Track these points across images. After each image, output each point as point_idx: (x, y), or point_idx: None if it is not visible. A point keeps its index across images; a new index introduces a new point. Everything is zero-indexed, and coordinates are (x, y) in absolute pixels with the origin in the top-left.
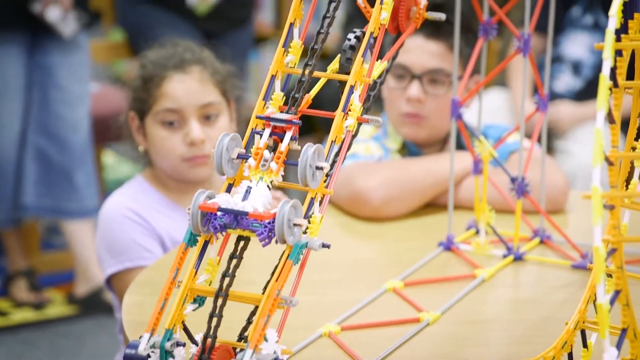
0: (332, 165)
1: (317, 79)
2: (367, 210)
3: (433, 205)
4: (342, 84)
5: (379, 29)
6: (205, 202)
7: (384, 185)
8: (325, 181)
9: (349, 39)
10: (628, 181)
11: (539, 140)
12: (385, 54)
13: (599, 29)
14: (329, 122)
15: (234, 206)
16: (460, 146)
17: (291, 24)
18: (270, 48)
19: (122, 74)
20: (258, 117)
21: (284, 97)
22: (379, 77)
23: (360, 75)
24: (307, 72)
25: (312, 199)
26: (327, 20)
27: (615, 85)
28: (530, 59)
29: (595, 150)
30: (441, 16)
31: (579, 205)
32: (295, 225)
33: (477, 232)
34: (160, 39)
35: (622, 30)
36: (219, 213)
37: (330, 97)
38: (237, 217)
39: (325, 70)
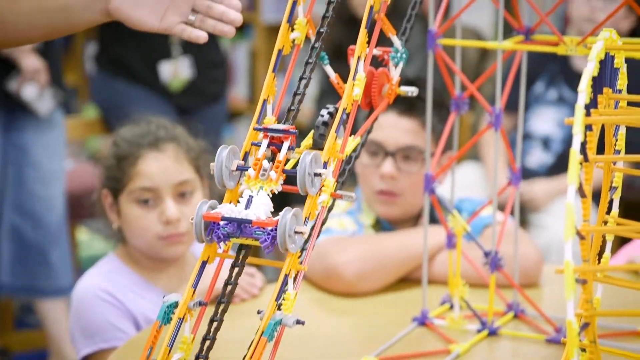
0: (306, 241)
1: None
2: (341, 286)
3: (407, 280)
4: None
5: (352, 105)
6: (208, 212)
7: (358, 261)
8: (299, 257)
9: (322, 115)
10: (600, 255)
11: (513, 213)
12: (358, 129)
13: (563, 102)
14: (303, 198)
15: (237, 215)
16: (433, 220)
17: (264, 101)
18: (244, 123)
19: (96, 151)
20: (255, 129)
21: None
22: (354, 151)
23: (334, 151)
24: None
25: (286, 276)
26: (298, 97)
27: (586, 159)
28: (502, 133)
29: (566, 225)
30: (413, 91)
31: (553, 278)
32: (296, 233)
33: (452, 306)
34: (134, 116)
35: (591, 104)
36: (222, 222)
37: None
38: (240, 226)
39: (298, 146)
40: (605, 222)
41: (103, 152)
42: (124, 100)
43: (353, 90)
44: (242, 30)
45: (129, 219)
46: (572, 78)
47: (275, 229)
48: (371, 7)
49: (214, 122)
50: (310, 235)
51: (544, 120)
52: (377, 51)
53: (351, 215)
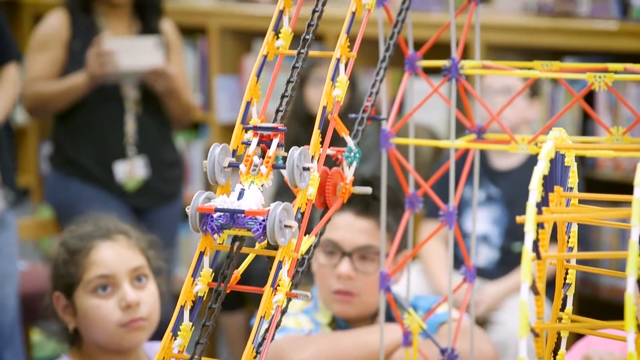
0: (260, 344)
1: (246, 255)
2: None
3: None
4: (271, 259)
5: (306, 204)
6: (203, 204)
7: (314, 359)
8: (254, 358)
9: None
10: (556, 351)
11: (468, 310)
12: (313, 228)
13: (492, 200)
14: (259, 297)
15: (230, 205)
16: (390, 318)
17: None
18: None
19: (50, 252)
20: (245, 128)
21: (213, 274)
22: (307, 252)
23: (288, 251)
24: (235, 247)
25: (280, 262)
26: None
27: (539, 257)
28: (456, 230)
29: (521, 322)
30: (367, 190)
31: None
32: (286, 226)
33: None
34: (88, 215)
35: (543, 203)
36: (215, 215)
37: (260, 271)
38: (233, 217)
39: (254, 246)
40: (560, 319)
41: (52, 253)
42: (78, 201)
43: (307, 190)
44: (198, 129)
45: (87, 312)
46: (494, 176)
47: (267, 219)
48: (324, 108)
49: (169, 221)
50: (264, 337)
51: (478, 221)
52: (330, 151)
53: (307, 314)
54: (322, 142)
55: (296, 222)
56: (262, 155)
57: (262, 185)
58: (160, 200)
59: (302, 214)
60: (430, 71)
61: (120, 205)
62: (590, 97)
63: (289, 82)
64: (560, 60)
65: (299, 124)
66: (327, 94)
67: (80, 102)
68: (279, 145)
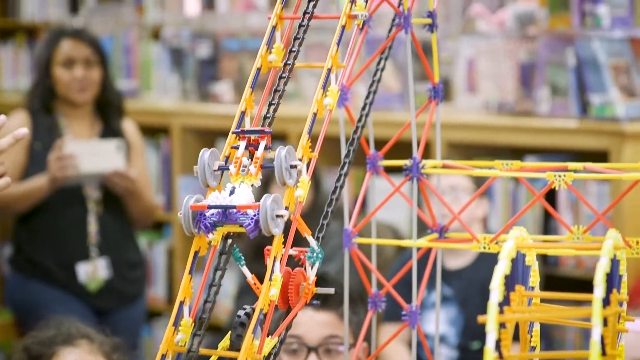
0: None
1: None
2: None
3: None
4: None
5: (269, 305)
6: (195, 203)
7: None
8: None
9: (239, 316)
10: None
11: None
12: (276, 328)
13: (448, 301)
14: None
15: (222, 201)
16: None
17: (181, 302)
18: (163, 322)
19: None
20: (234, 132)
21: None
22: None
23: (251, 352)
24: (195, 344)
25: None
26: (214, 289)
27: (501, 357)
28: (418, 330)
29: None
30: (330, 290)
31: None
32: (277, 216)
33: None
34: (50, 318)
35: (504, 302)
36: (208, 213)
37: None
38: (225, 213)
39: (215, 347)
40: None
41: (14, 358)
42: (39, 303)
43: (270, 291)
44: (161, 229)
45: None
46: (447, 276)
47: (258, 213)
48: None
49: (132, 322)
50: None
51: (434, 322)
52: (293, 251)
53: None
54: (284, 243)
55: (286, 211)
56: (251, 158)
57: (252, 185)
58: (123, 301)
59: (265, 315)
60: (392, 170)
61: (82, 307)
62: (551, 195)
63: (282, 76)
64: (521, 158)
65: None
66: (290, 195)
67: (42, 203)
68: (266, 148)
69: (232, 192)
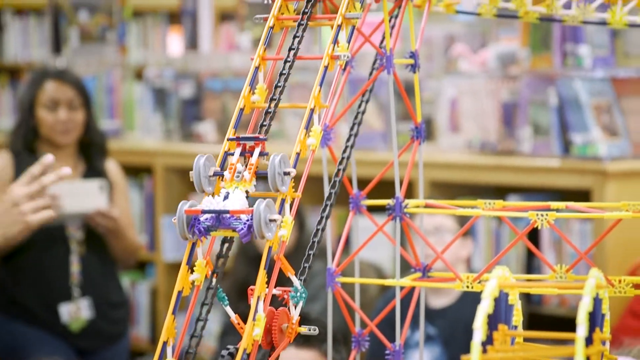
0: None
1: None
2: None
3: None
4: None
5: (252, 344)
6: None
7: None
8: None
9: (223, 356)
10: None
11: None
12: None
13: (431, 340)
14: None
15: (216, 206)
16: None
17: (164, 342)
18: None
19: None
20: (229, 139)
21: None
22: None
23: None
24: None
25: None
26: (200, 323)
27: None
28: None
29: None
30: (314, 332)
31: None
32: (271, 221)
33: None
34: (33, 359)
35: (487, 341)
36: (202, 218)
37: None
38: (219, 217)
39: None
40: None
41: None
42: (22, 343)
43: (253, 330)
44: (144, 269)
45: None
46: (430, 315)
47: (252, 218)
48: (270, 247)
49: None
50: None
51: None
52: (277, 291)
53: None
54: (268, 282)
55: (280, 215)
56: (245, 164)
57: (246, 191)
58: (106, 342)
59: (249, 355)
60: (375, 209)
61: (64, 347)
62: (534, 234)
63: (281, 74)
64: (504, 197)
65: (247, 263)
66: (274, 236)
67: (25, 243)
68: (260, 155)
69: (226, 197)
